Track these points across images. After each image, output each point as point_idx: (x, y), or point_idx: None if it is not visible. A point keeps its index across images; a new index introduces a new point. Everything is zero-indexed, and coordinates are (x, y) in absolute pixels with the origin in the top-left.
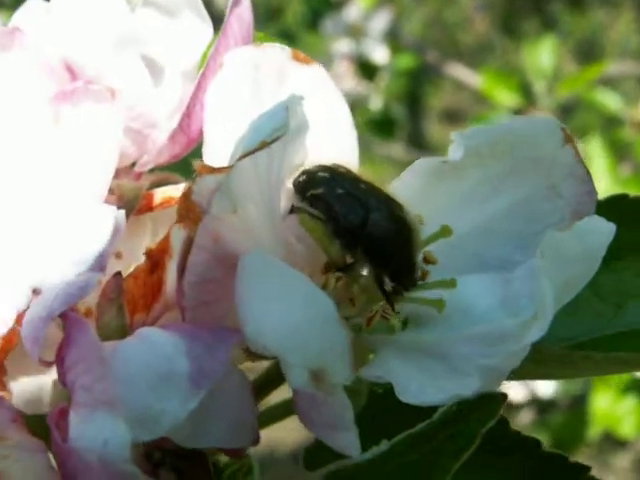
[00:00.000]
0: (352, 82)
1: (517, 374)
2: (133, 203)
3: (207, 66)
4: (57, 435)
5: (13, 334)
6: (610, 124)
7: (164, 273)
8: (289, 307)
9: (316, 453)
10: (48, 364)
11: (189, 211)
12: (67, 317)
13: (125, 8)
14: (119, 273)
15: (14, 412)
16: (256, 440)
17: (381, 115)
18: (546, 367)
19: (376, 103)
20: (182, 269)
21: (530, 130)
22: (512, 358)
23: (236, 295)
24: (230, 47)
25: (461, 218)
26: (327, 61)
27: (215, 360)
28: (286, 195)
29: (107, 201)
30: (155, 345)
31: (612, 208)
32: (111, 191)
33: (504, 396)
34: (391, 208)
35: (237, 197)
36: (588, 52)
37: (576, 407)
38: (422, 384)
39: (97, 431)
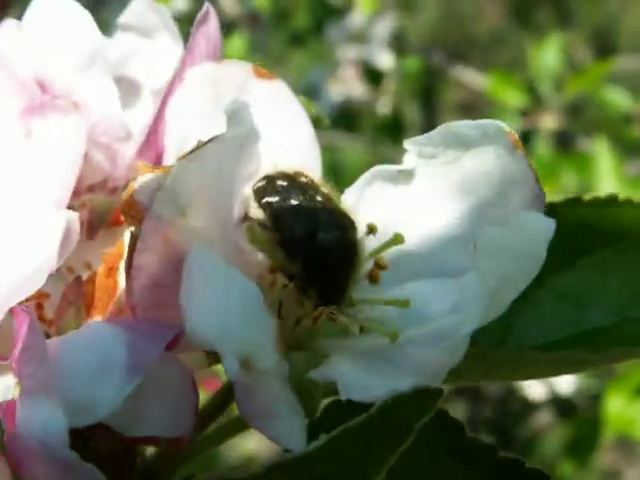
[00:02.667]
0: (359, 87)
1: (468, 375)
2: (104, 216)
3: (172, 82)
4: (6, 422)
5: None
6: (620, 122)
7: (118, 276)
8: (221, 300)
9: None
10: (4, 359)
11: (131, 209)
12: (14, 311)
13: (93, 27)
14: (79, 277)
15: None
16: (193, 430)
17: (389, 119)
18: (499, 368)
19: (383, 107)
20: (128, 267)
21: (479, 137)
22: (448, 353)
23: (181, 292)
24: (195, 64)
25: (415, 225)
26: (333, 67)
27: (152, 350)
28: (241, 202)
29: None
30: (95, 335)
31: (569, 211)
32: (83, 205)
33: (439, 391)
34: (340, 226)
35: (184, 200)
36: (602, 42)
37: (594, 408)
38: (366, 383)
39: (37, 416)
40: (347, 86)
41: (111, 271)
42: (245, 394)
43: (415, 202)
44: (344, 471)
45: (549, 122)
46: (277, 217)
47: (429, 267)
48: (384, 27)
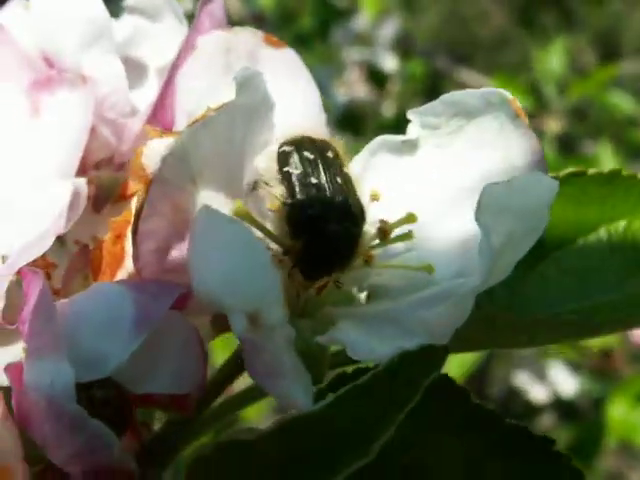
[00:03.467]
0: (364, 89)
1: (475, 340)
2: (110, 191)
3: (178, 56)
4: (13, 382)
5: None
6: (623, 125)
7: (126, 243)
8: (227, 255)
9: None
10: (12, 321)
11: (139, 173)
12: (23, 272)
13: (100, 4)
14: (86, 246)
15: None
16: (201, 388)
17: (393, 121)
18: (505, 333)
19: (388, 109)
20: (135, 231)
21: (481, 105)
22: (453, 311)
23: (188, 251)
24: None
25: (420, 195)
26: (339, 68)
27: (158, 307)
28: (251, 171)
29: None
30: (103, 293)
31: (572, 184)
32: (90, 181)
33: (445, 348)
34: (350, 218)
35: (194, 166)
36: (606, 45)
37: (595, 412)
38: (372, 343)
39: (44, 373)
40: (352, 88)
41: (118, 238)
42: (253, 351)
43: (420, 172)
44: (351, 429)
45: (553, 125)
46: (293, 192)
47: (435, 236)
48: (389, 30)
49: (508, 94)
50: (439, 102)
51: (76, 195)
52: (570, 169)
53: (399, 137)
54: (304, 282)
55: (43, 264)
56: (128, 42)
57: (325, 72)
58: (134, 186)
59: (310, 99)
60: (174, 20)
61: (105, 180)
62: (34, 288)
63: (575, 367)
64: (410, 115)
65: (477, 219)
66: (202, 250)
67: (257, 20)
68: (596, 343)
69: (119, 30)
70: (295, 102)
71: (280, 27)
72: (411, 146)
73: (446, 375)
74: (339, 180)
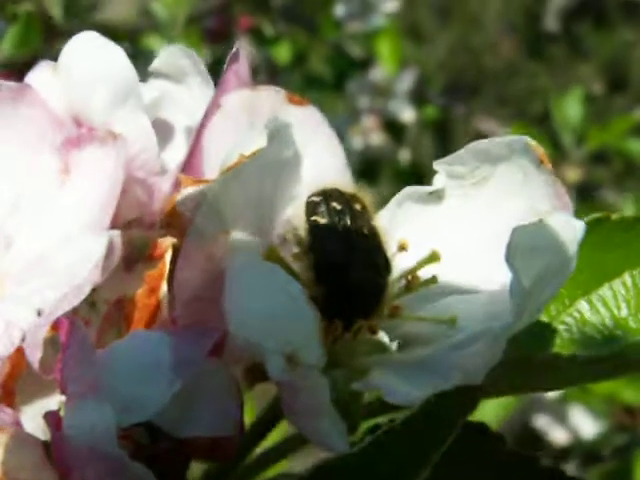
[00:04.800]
0: (379, 136)
1: (504, 383)
2: (141, 250)
3: (205, 116)
4: (52, 428)
5: (21, 357)
6: None
7: (161, 295)
8: (264, 295)
9: None
10: (48, 372)
11: (173, 220)
12: (60, 322)
13: (127, 62)
14: (120, 300)
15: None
16: (240, 430)
17: (410, 168)
18: (534, 375)
19: (404, 156)
20: (170, 278)
21: (505, 153)
22: (487, 351)
23: (223, 297)
24: None
25: (447, 244)
26: (353, 115)
27: (196, 351)
28: (281, 224)
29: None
30: (142, 339)
31: (595, 231)
32: (122, 241)
33: (480, 387)
34: (375, 267)
35: (228, 216)
36: (615, 74)
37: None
38: (407, 388)
39: (85, 417)
40: (367, 135)
41: (153, 292)
42: (291, 393)
43: (446, 222)
44: (390, 470)
45: (572, 174)
46: (318, 239)
47: (463, 285)
48: (406, 82)
49: (532, 141)
50: (465, 151)
51: (111, 246)
52: (594, 215)
53: (426, 188)
54: (331, 329)
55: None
56: (155, 105)
57: (340, 120)
58: (168, 234)
59: (335, 155)
60: (200, 81)
61: (136, 239)
62: (73, 334)
63: (597, 415)
64: (436, 166)
65: (507, 259)
66: (238, 293)
67: (271, 68)
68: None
69: (146, 93)
70: (321, 158)
71: (294, 74)
72: (438, 196)
73: (482, 422)
74: (365, 231)
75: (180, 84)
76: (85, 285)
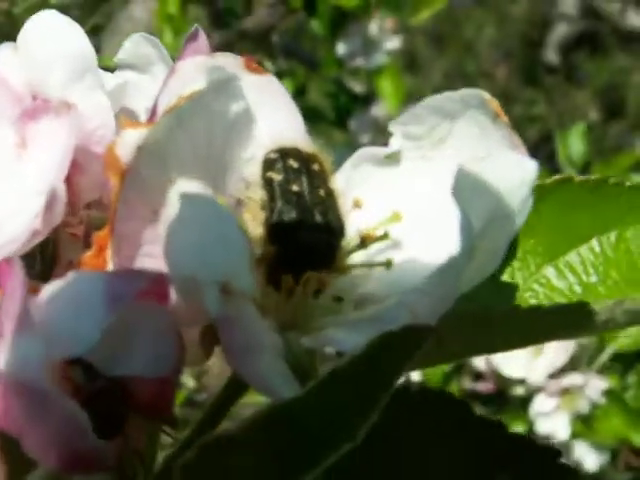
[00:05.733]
0: None
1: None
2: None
3: (163, 83)
4: None
5: None
6: None
7: (108, 255)
8: (195, 228)
9: None
10: None
11: (113, 165)
12: (1, 267)
13: (83, 39)
14: (70, 262)
15: None
16: (176, 371)
17: None
18: (493, 329)
19: None
20: (112, 229)
21: (461, 108)
22: (437, 290)
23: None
24: None
25: (406, 204)
26: (356, 148)
27: (129, 287)
28: (237, 186)
29: (77, 231)
30: (76, 278)
31: (557, 191)
32: (81, 222)
33: (429, 327)
34: (328, 230)
35: (171, 163)
36: (611, 99)
37: None
38: (359, 339)
39: (17, 352)
40: None
41: (100, 251)
42: (227, 330)
43: (404, 184)
44: (335, 415)
45: None
46: (272, 196)
47: (421, 245)
48: None
49: (486, 95)
50: (419, 108)
51: (52, 196)
52: (557, 176)
53: (382, 149)
54: (282, 285)
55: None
56: (120, 92)
57: (343, 155)
58: (112, 177)
59: (295, 121)
60: (164, 69)
61: (95, 219)
62: (11, 276)
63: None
64: (392, 127)
65: (453, 196)
66: (172, 230)
67: None
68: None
69: (111, 81)
70: (279, 122)
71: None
72: (395, 159)
73: (443, 390)
74: (321, 192)
75: (145, 73)
76: (24, 233)
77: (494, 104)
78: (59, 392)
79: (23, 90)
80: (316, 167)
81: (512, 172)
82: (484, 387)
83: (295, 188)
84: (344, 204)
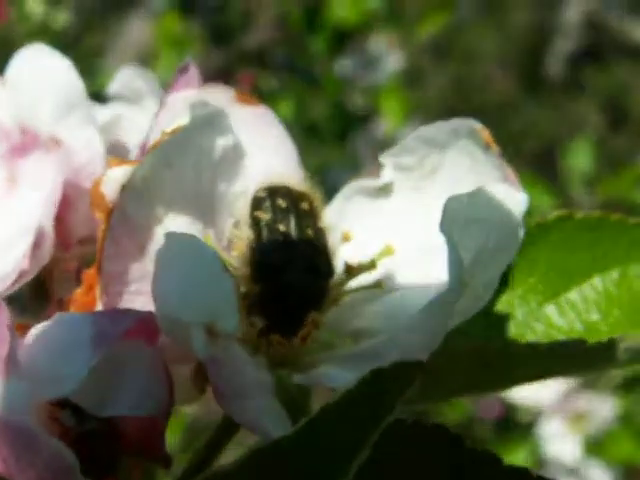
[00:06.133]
0: None
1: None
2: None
3: (154, 117)
4: None
5: None
6: None
7: (97, 293)
8: (181, 269)
9: None
10: None
11: (99, 203)
12: None
13: (73, 74)
14: (61, 299)
15: None
16: (166, 409)
17: None
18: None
19: None
20: (99, 268)
21: (452, 139)
22: (426, 325)
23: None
24: None
25: (398, 238)
26: (356, 168)
27: (116, 326)
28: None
29: (69, 267)
30: (64, 319)
31: (556, 228)
32: (75, 257)
33: (419, 363)
34: (314, 270)
35: (157, 201)
36: (614, 109)
37: None
38: (350, 376)
39: (3, 395)
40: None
41: (90, 289)
42: (215, 372)
43: (396, 217)
44: (324, 452)
45: None
46: (259, 236)
47: (414, 279)
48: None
49: (477, 124)
50: (410, 139)
51: (40, 235)
52: (557, 212)
53: (374, 181)
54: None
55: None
56: (111, 126)
57: (344, 174)
58: (98, 215)
59: (287, 154)
60: (155, 101)
61: (88, 255)
62: None
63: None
64: (383, 159)
65: (441, 229)
66: (159, 270)
67: None
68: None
69: (102, 115)
70: (271, 157)
71: (295, 125)
72: (386, 190)
73: (438, 423)
74: (309, 232)
75: (135, 105)
76: (11, 273)
77: (485, 134)
78: (45, 433)
79: (11, 125)
80: (305, 206)
81: (502, 205)
82: (491, 411)
83: (282, 228)
84: (334, 241)
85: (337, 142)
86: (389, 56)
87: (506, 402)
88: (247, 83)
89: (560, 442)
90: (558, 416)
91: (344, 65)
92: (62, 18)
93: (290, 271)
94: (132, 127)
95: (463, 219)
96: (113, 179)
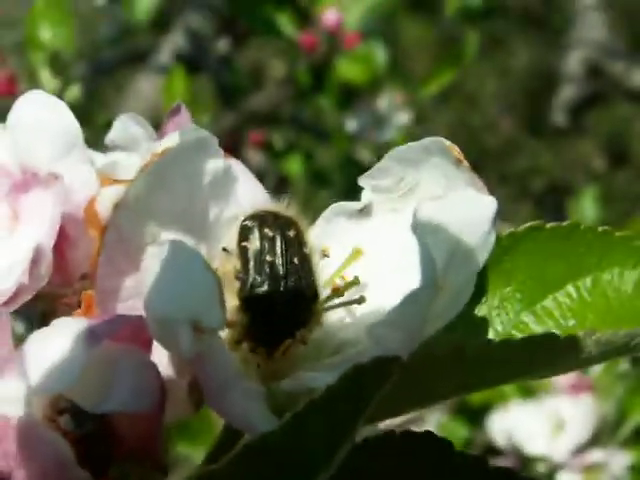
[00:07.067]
0: None
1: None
2: None
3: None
4: None
5: None
6: None
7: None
8: (164, 271)
9: None
10: None
11: (93, 220)
12: None
13: (69, 116)
14: None
15: None
16: (159, 407)
17: None
18: (468, 368)
19: None
20: (94, 278)
21: (424, 157)
22: (404, 323)
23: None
24: None
25: (377, 259)
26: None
27: (109, 327)
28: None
29: (71, 301)
30: (61, 323)
31: (529, 238)
32: (77, 292)
33: (397, 358)
34: (300, 297)
35: (150, 220)
36: (616, 148)
37: None
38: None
39: (2, 392)
40: None
41: (89, 308)
42: (201, 369)
43: (375, 238)
44: (308, 445)
45: None
46: (245, 266)
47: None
48: None
49: (447, 142)
50: (385, 159)
51: (38, 251)
52: (528, 223)
53: (353, 204)
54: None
55: None
56: (107, 170)
57: None
58: (92, 232)
59: (258, 198)
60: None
61: (89, 288)
62: None
63: None
64: (361, 181)
65: (413, 232)
66: (147, 275)
67: (282, 182)
68: None
69: (99, 162)
70: (251, 191)
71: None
72: (365, 213)
73: (427, 430)
74: (295, 260)
75: (133, 151)
76: (12, 287)
77: (455, 150)
78: (43, 426)
79: (13, 166)
80: (292, 233)
81: (471, 208)
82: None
83: (269, 258)
84: (319, 264)
85: (346, 194)
86: (397, 113)
87: (522, 455)
88: (256, 141)
89: None
90: (572, 470)
91: (352, 123)
92: (74, 93)
93: (277, 303)
94: (129, 173)
95: (434, 222)
96: (107, 197)
